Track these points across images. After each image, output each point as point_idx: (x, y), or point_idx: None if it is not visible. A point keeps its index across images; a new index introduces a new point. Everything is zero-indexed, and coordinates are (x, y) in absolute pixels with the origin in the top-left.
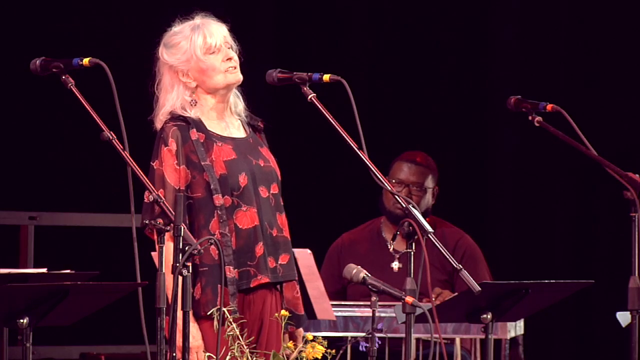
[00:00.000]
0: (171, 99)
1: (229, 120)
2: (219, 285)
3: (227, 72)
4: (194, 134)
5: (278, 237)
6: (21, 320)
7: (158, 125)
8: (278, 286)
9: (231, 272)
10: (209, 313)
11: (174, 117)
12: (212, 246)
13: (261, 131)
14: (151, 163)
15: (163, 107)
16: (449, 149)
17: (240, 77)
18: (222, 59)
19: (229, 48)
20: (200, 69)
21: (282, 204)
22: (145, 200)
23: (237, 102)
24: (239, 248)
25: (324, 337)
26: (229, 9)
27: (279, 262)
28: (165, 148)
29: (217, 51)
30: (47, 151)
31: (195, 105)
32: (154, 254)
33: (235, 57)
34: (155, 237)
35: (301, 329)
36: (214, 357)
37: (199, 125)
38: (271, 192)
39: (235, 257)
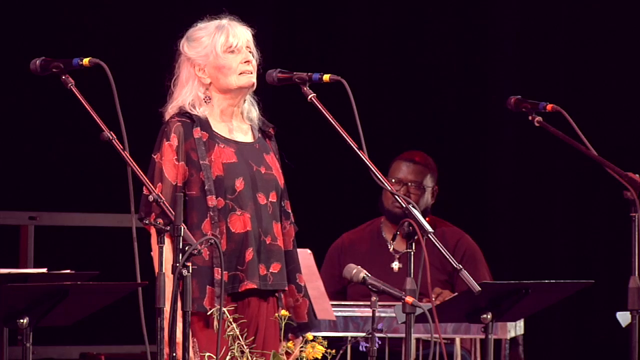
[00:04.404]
0: (184, 93)
1: (236, 124)
2: (207, 287)
3: (241, 74)
4: (197, 132)
5: (272, 245)
6: (21, 320)
7: (166, 117)
8: (276, 294)
9: (219, 275)
10: (208, 313)
11: (181, 113)
12: (206, 247)
13: (271, 137)
14: (152, 155)
15: (175, 100)
16: (449, 149)
17: (253, 82)
18: (240, 60)
19: (249, 52)
20: (217, 65)
21: (288, 211)
22: (144, 192)
23: (251, 109)
24: (230, 251)
25: (324, 337)
26: (228, 8)
27: (270, 270)
28: (167, 142)
29: (237, 52)
30: (47, 151)
31: (209, 101)
32: (154, 254)
33: (254, 62)
34: (154, 235)
35: (300, 338)
36: (214, 357)
37: (204, 124)
38: (270, 199)
39: (225, 260)
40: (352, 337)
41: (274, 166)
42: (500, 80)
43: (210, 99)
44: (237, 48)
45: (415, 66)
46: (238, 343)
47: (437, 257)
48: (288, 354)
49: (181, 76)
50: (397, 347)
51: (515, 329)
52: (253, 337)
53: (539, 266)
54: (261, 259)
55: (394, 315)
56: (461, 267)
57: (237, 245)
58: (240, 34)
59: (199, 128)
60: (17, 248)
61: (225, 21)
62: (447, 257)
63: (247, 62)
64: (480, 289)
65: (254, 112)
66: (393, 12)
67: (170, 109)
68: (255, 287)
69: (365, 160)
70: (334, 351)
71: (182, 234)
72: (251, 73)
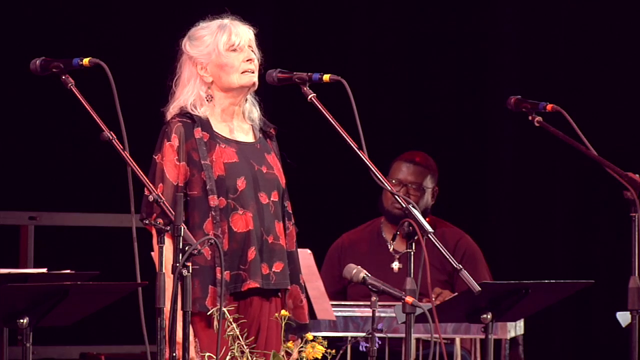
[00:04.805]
0: (186, 92)
1: (237, 124)
2: (210, 286)
3: (244, 73)
4: (198, 133)
5: (274, 244)
6: (21, 320)
7: (168, 117)
8: (280, 294)
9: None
10: (208, 313)
11: (182, 114)
12: (207, 246)
13: (272, 138)
14: (153, 156)
15: (177, 100)
16: (449, 149)
17: (254, 81)
18: (242, 58)
19: (251, 51)
20: (220, 64)
21: (289, 212)
22: (146, 193)
23: (252, 109)
24: (232, 251)
25: (324, 337)
26: (228, 8)
27: (273, 270)
28: (168, 143)
29: (240, 50)
30: (47, 151)
31: (211, 100)
32: (154, 254)
33: (256, 62)
34: (155, 235)
35: (299, 340)
36: (214, 357)
37: (205, 124)
38: (272, 199)
39: (228, 260)
40: (352, 337)
41: (275, 166)
42: (500, 80)
43: (212, 98)
44: (240, 47)
45: (416, 66)
46: (238, 343)
47: (437, 257)
48: (288, 354)
49: (183, 76)
50: (397, 347)
51: (515, 329)
52: (254, 337)
53: (539, 266)
54: (264, 258)
55: (394, 315)
56: (461, 267)
57: (239, 244)
58: (242, 33)
59: (199, 128)
60: (17, 248)
61: (227, 20)
62: (447, 257)
63: (250, 60)
64: (480, 289)
65: (256, 113)
66: (393, 12)
67: (172, 109)
68: (258, 286)
69: (365, 160)
70: (334, 351)
71: (182, 234)
72: (253, 72)
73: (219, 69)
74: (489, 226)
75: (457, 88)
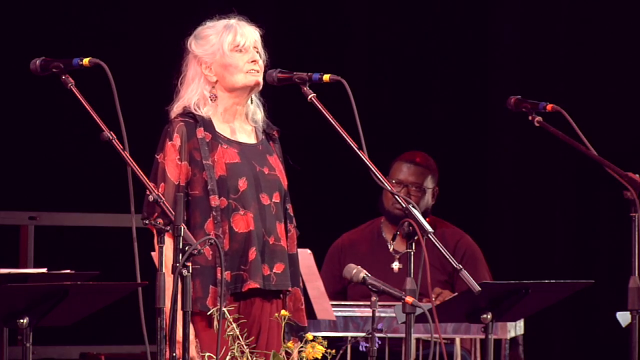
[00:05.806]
0: (190, 91)
1: (240, 125)
2: (210, 286)
3: (248, 73)
4: (201, 132)
5: (275, 245)
6: (21, 320)
7: (172, 116)
8: (281, 295)
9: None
10: (208, 313)
11: (184, 114)
12: (208, 246)
13: (275, 140)
14: (156, 155)
15: (181, 99)
16: (449, 149)
17: (258, 80)
18: (247, 59)
19: (257, 52)
20: (224, 64)
21: (291, 214)
22: (147, 193)
23: (256, 111)
24: (233, 251)
25: (324, 337)
26: (229, 8)
27: (274, 271)
28: (170, 142)
29: (245, 51)
30: (47, 151)
31: (214, 100)
32: (154, 254)
33: (261, 62)
34: (155, 236)
35: (299, 342)
36: (214, 357)
37: (207, 124)
38: (273, 200)
39: (228, 260)
40: (352, 337)
41: (277, 167)
42: (500, 80)
43: (216, 98)
44: (244, 47)
45: (416, 66)
46: (238, 343)
47: (437, 257)
48: (288, 354)
49: (188, 75)
50: (397, 347)
51: (515, 329)
52: (254, 338)
53: (539, 266)
54: (265, 259)
55: (394, 315)
56: (461, 267)
57: (240, 245)
58: (248, 34)
59: (202, 128)
60: (17, 248)
61: (233, 21)
62: (447, 257)
63: (254, 61)
64: (480, 289)
65: (259, 114)
66: (393, 12)
67: (176, 108)
68: (258, 286)
69: (366, 161)
70: (334, 351)
71: (182, 234)
72: (257, 73)
73: (223, 69)
74: (489, 226)
75: (457, 88)
